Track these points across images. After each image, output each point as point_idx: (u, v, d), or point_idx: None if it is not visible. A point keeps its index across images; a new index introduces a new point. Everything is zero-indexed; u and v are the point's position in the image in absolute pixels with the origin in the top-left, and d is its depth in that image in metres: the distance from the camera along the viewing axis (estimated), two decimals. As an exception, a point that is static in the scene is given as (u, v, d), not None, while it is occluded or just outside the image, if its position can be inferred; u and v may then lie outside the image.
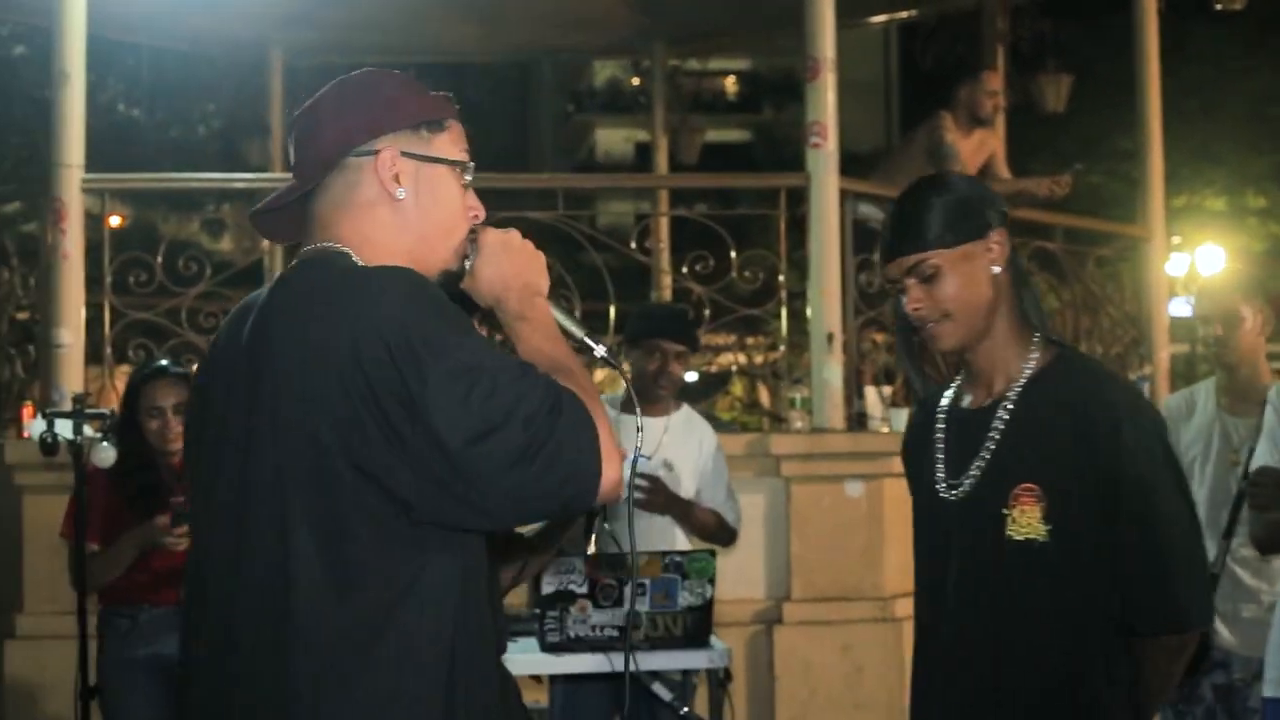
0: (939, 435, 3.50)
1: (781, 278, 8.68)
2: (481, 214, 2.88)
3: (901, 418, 8.39)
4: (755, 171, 23.44)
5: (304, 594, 2.54)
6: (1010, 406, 3.38)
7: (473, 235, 2.85)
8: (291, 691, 2.54)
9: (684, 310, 7.10)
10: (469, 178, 2.85)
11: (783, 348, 9.04)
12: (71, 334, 7.94)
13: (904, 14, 12.96)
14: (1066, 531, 3.24)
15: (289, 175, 2.86)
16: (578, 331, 2.90)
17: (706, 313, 8.70)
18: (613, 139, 40.31)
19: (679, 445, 6.26)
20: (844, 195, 8.40)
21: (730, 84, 41.16)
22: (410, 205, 2.77)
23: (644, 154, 24.32)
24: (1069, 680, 3.27)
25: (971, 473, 3.38)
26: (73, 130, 8.06)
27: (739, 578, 7.63)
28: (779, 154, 32.58)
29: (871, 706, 7.84)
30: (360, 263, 2.70)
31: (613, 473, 2.56)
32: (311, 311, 2.59)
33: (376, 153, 2.76)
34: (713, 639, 5.57)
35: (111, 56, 17.82)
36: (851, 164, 9.28)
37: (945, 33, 12.18)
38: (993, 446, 3.37)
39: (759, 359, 10.11)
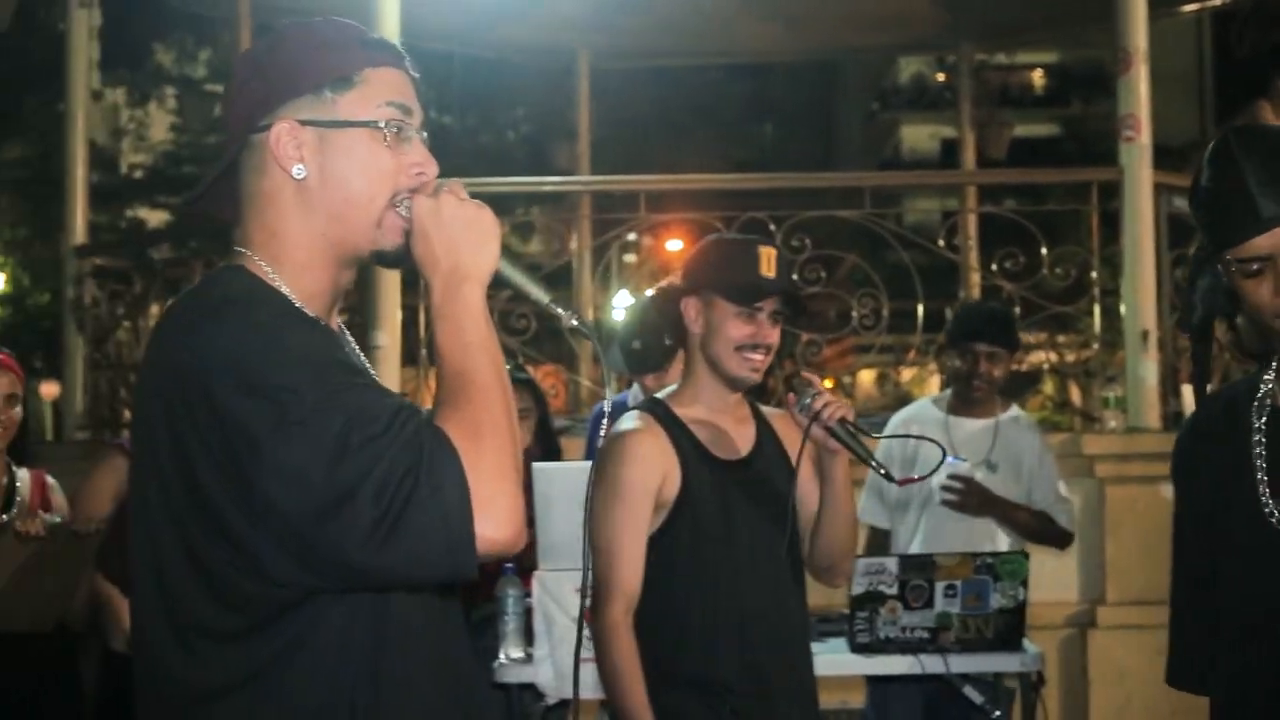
0: (1259, 441, 2.78)
1: (1094, 274, 8.54)
2: (428, 171, 2.45)
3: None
4: (1065, 166, 23.05)
5: (153, 645, 2.31)
6: None
7: (407, 201, 2.41)
8: None
9: (999, 310, 6.98)
10: (408, 133, 2.45)
11: (1095, 346, 8.89)
12: (388, 336, 8.13)
13: (1218, 1, 12.64)
14: None
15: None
16: (542, 298, 2.51)
17: (1017, 310, 8.59)
18: (918, 136, 40.03)
19: (1005, 446, 6.18)
20: (1158, 189, 8.24)
21: (1038, 78, 40.56)
22: (315, 182, 2.38)
23: (950, 150, 24.11)
24: None
25: None
26: (388, 138, 8.26)
27: (1052, 580, 7.52)
28: (1088, 148, 32.02)
29: (1187, 713, 7.64)
30: (262, 269, 2.38)
31: (497, 531, 2.14)
32: (163, 344, 2.31)
33: (269, 127, 2.38)
34: (1025, 642, 5.49)
35: (423, 65, 18.19)
36: (1164, 157, 9.08)
37: (1261, 19, 11.84)
38: None
39: (1071, 357, 9.91)
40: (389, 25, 8.27)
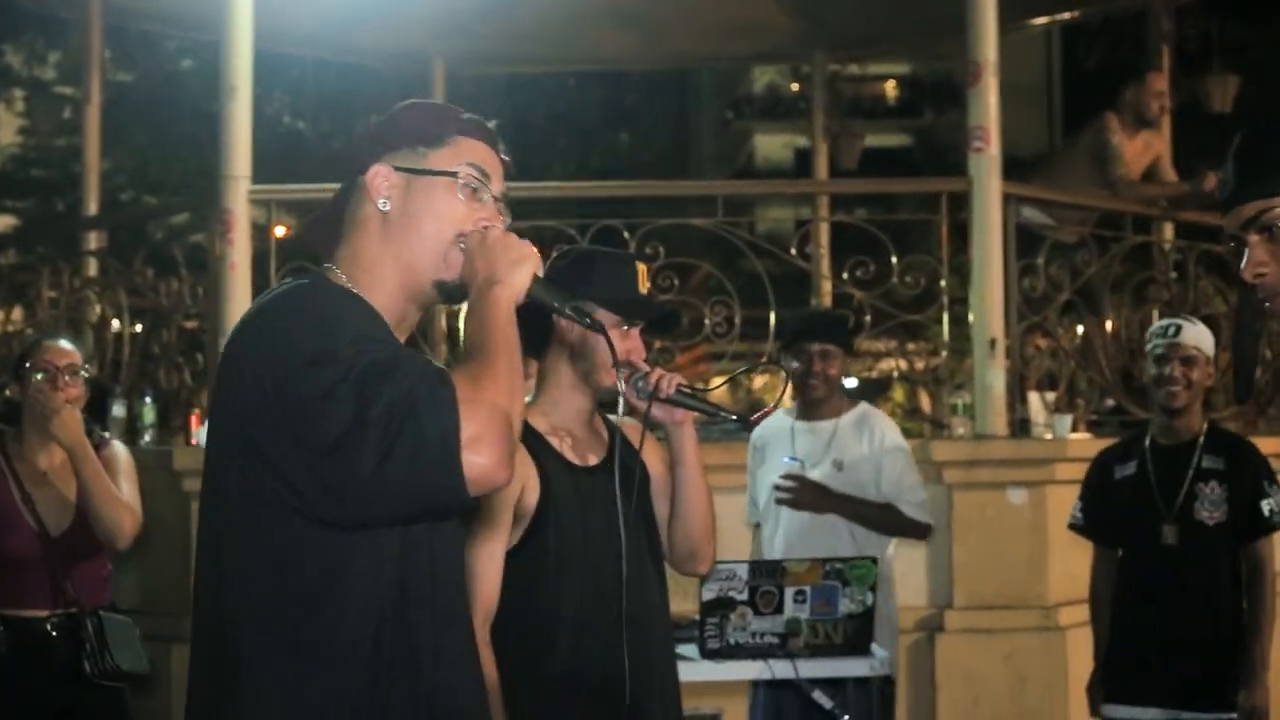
0: None
1: (943, 283, 8.63)
2: (493, 224, 2.89)
3: (1065, 424, 8.31)
4: (916, 176, 23.29)
5: (232, 585, 2.76)
6: None
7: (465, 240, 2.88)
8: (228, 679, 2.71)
9: (831, 312, 7.07)
10: (486, 188, 2.91)
11: (944, 353, 8.97)
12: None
13: (1067, 15, 12.82)
14: None
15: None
16: (554, 303, 2.93)
17: (867, 318, 8.66)
18: (772, 145, 40.24)
19: (850, 444, 6.23)
20: (1007, 199, 8.32)
21: (890, 88, 40.94)
22: (395, 216, 2.87)
23: (803, 160, 24.25)
24: None
25: None
26: (240, 143, 8.20)
27: (901, 585, 7.56)
28: (939, 158, 32.35)
29: (1035, 716, 7.75)
30: (341, 280, 2.86)
31: (488, 460, 2.52)
32: (247, 326, 2.76)
33: (364, 173, 2.91)
34: (874, 647, 5.54)
35: (277, 70, 18.10)
36: (1013, 168, 9.20)
37: (1109, 33, 12.06)
38: None
39: (920, 365, 10.04)
40: (242, 29, 8.19)
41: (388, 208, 2.86)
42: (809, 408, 6.28)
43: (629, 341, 4.01)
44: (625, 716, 3.87)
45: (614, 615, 3.89)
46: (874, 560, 5.55)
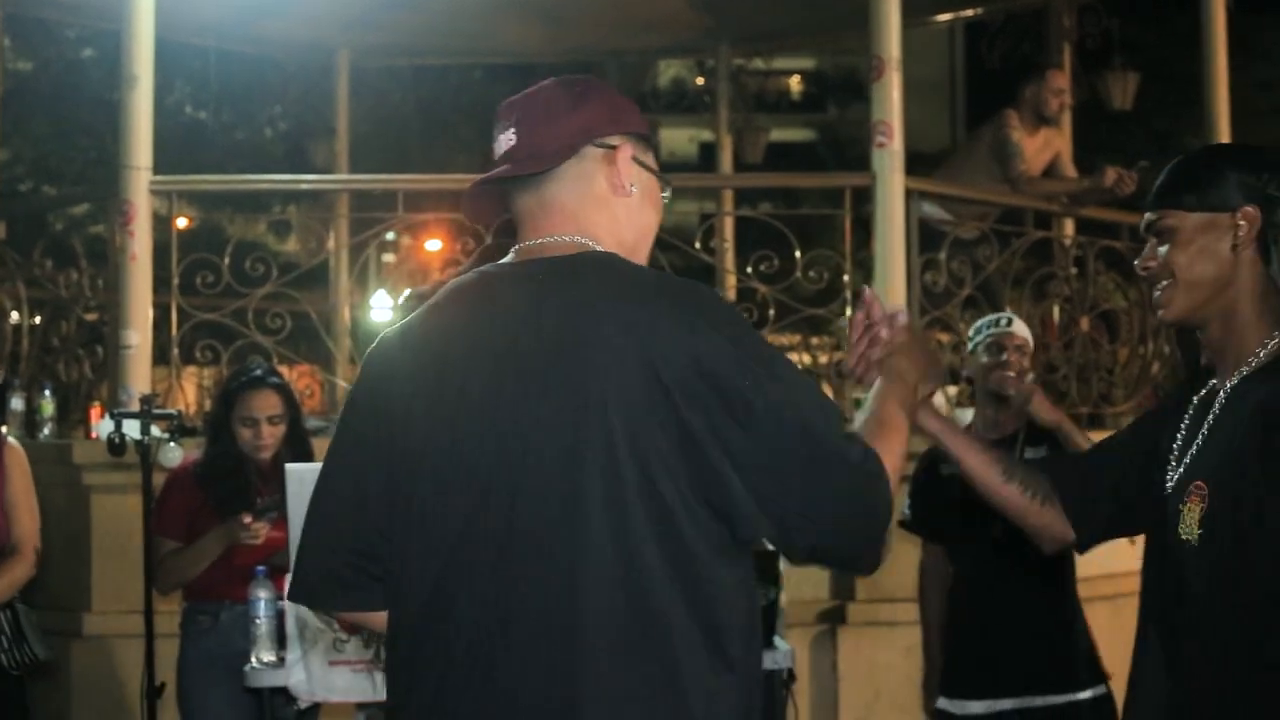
0: (1186, 419, 3.22)
1: (846, 277, 8.67)
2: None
3: (966, 418, 8.35)
4: (820, 171, 23.38)
5: (647, 583, 2.53)
6: (1224, 397, 3.12)
7: None
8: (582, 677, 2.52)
9: None
10: (666, 195, 2.93)
11: (847, 348, 9.00)
12: (139, 335, 7.99)
13: (969, 12, 12.90)
14: (1214, 538, 2.98)
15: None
16: None
17: (771, 312, 8.69)
18: (677, 139, 40.32)
19: None
20: (909, 194, 8.37)
21: (795, 84, 41.14)
22: (635, 204, 2.82)
23: (708, 154, 24.26)
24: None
25: (1185, 461, 3.15)
26: (141, 133, 8.12)
27: (803, 578, 7.62)
28: (843, 153, 32.52)
29: (937, 708, 7.80)
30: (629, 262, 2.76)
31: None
32: (632, 317, 2.58)
33: (615, 147, 2.81)
34: (777, 640, 5.56)
35: (179, 60, 17.90)
36: (916, 163, 9.25)
37: (1011, 31, 12.10)
38: (1202, 437, 3.13)
39: (823, 359, 10.08)
40: (143, 18, 8.11)
41: (635, 192, 2.82)
42: None
43: None
44: None
45: None
46: (777, 554, 5.56)
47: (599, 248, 2.74)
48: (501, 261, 2.82)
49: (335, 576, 2.77)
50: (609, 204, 2.79)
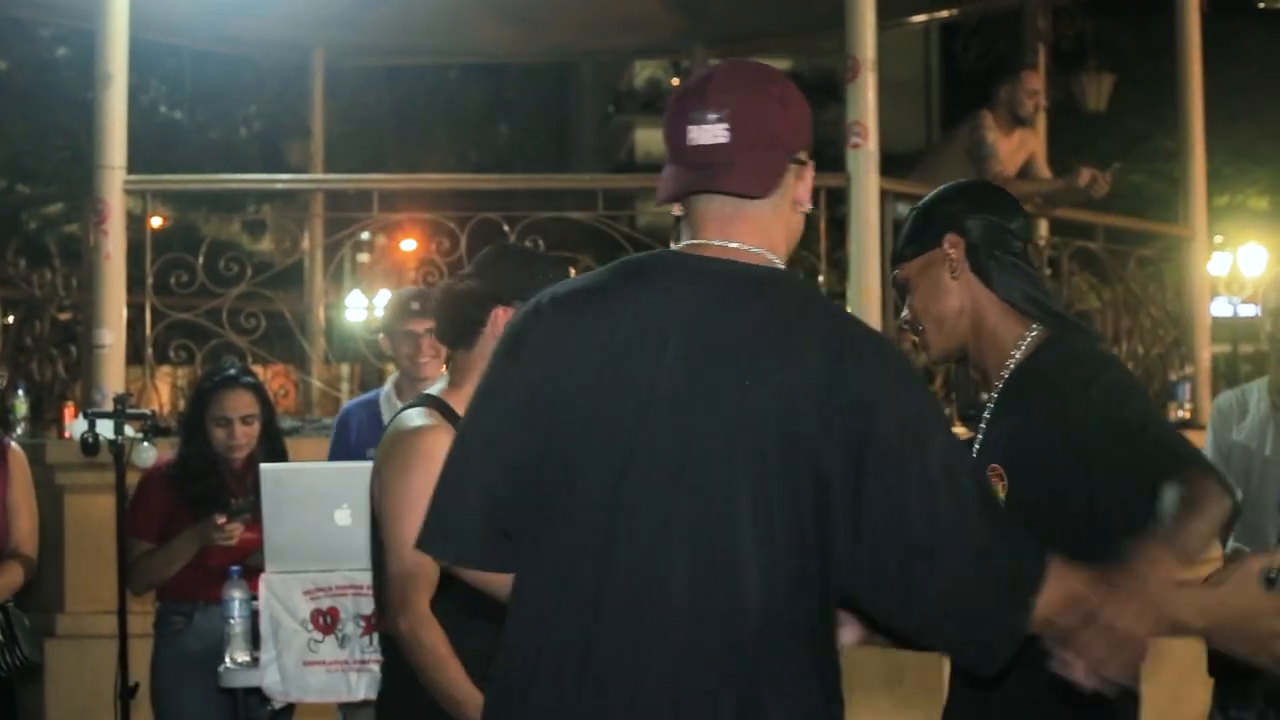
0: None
1: (821, 278, 8.68)
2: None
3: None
4: (795, 172, 23.37)
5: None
6: (996, 396, 3.45)
7: None
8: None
9: None
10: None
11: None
12: (113, 334, 7.97)
13: (945, 13, 12.92)
14: (1021, 510, 3.20)
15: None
16: None
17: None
18: (653, 139, 40.27)
19: None
20: (884, 195, 8.38)
21: (770, 84, 41.12)
22: (800, 217, 2.85)
23: (684, 154, 24.23)
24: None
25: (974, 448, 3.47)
26: (115, 132, 8.09)
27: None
28: (818, 154, 32.27)
29: (910, 708, 7.81)
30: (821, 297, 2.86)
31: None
32: (819, 347, 2.64)
33: (805, 163, 2.84)
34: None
35: (154, 59, 17.88)
36: (891, 164, 9.26)
37: (986, 32, 12.12)
38: (981, 435, 3.47)
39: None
40: (118, 17, 8.08)
41: (805, 210, 2.90)
42: None
43: None
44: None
45: None
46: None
47: (779, 262, 2.78)
48: (684, 253, 2.82)
49: (476, 534, 2.80)
50: (787, 217, 2.82)
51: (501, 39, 12.92)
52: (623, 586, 2.61)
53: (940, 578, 2.57)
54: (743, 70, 2.82)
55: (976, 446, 3.45)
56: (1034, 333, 3.44)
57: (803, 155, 2.82)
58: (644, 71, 40.29)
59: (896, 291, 3.59)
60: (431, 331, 5.96)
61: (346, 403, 6.90)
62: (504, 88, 30.66)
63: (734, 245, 2.75)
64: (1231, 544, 5.96)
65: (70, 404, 8.42)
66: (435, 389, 4.17)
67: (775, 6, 11.83)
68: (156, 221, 10.40)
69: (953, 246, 3.45)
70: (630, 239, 9.20)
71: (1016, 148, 9.71)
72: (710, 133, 2.74)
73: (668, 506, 2.60)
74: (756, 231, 2.76)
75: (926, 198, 3.56)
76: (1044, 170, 10.07)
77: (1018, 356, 3.43)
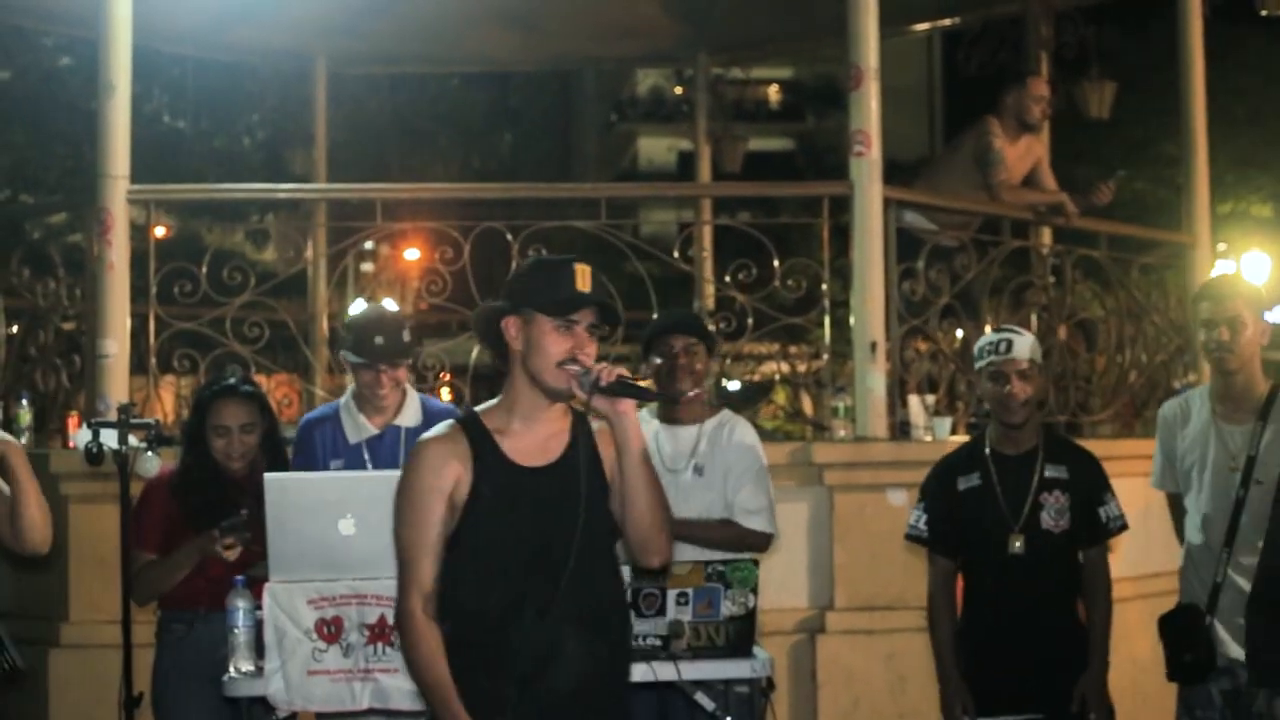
0: None
1: (824, 286, 8.66)
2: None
3: (945, 426, 8.38)
4: (798, 180, 23.41)
5: None
6: None
7: None
8: None
9: (686, 310, 7.12)
10: None
11: (826, 356, 9.00)
12: (117, 344, 7.98)
13: (947, 21, 12.94)
14: None
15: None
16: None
17: (750, 321, 8.68)
18: (655, 148, 40.35)
19: (711, 451, 6.22)
20: (887, 203, 8.38)
21: (773, 93, 41.14)
22: None
23: (686, 163, 24.29)
24: None
25: None
26: (118, 141, 8.10)
27: (782, 586, 7.62)
28: (821, 162, 32.55)
29: (915, 716, 7.81)
30: None
31: None
32: None
33: None
34: (756, 648, 5.56)
35: (157, 68, 17.92)
36: (894, 172, 9.27)
37: (988, 40, 12.12)
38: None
39: (802, 368, 10.06)
40: (121, 26, 8.09)
41: None
42: (674, 411, 6.24)
43: (570, 340, 4.20)
44: (563, 705, 4.11)
45: (556, 608, 4.09)
46: (756, 563, 5.56)
47: None
48: None
49: None
50: None
51: (505, 47, 12.94)
52: None
53: None
54: None
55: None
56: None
57: None
58: (647, 80, 40.28)
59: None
60: (394, 368, 6.04)
61: (303, 416, 6.84)
62: (507, 96, 30.68)
63: None
64: (1187, 542, 6.10)
65: (74, 414, 8.41)
66: (486, 405, 4.33)
67: (777, 15, 11.84)
68: (160, 231, 10.40)
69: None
70: (633, 247, 9.20)
71: (1022, 154, 9.70)
72: None
73: None
74: None
75: None
76: (1049, 178, 10.05)
77: None
